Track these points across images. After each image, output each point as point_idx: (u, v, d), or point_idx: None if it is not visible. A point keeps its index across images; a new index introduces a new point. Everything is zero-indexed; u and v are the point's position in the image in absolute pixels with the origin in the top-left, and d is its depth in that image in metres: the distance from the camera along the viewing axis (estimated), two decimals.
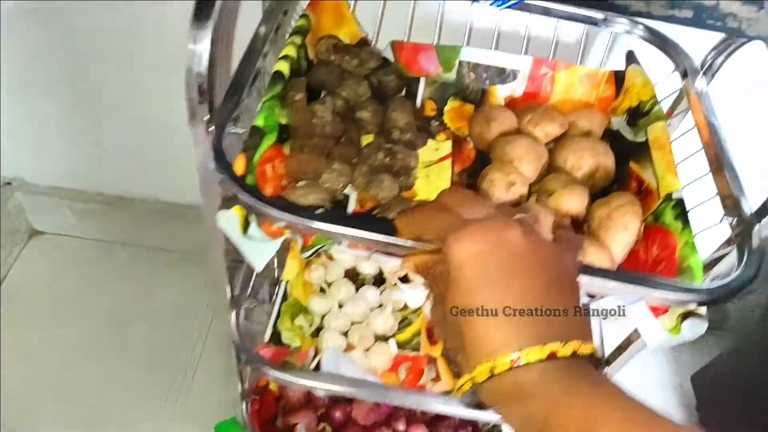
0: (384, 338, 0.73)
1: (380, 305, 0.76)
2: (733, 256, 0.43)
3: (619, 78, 0.63)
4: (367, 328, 0.73)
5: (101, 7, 0.75)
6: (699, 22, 0.54)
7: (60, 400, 0.96)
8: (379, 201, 0.52)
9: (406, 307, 0.78)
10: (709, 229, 0.46)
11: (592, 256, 0.48)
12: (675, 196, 0.49)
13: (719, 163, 0.48)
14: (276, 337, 0.67)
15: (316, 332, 0.72)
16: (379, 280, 0.80)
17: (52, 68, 0.87)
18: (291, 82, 0.52)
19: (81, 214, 1.09)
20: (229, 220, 0.42)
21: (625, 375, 1.10)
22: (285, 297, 0.70)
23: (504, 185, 0.53)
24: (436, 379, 0.71)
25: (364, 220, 0.40)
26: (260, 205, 0.39)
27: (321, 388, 0.60)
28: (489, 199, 0.51)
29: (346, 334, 0.73)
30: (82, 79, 0.87)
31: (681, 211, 0.48)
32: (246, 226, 0.43)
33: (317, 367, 0.62)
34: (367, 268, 0.80)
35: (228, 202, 0.41)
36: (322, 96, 0.59)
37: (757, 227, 0.42)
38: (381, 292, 0.78)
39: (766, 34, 0.47)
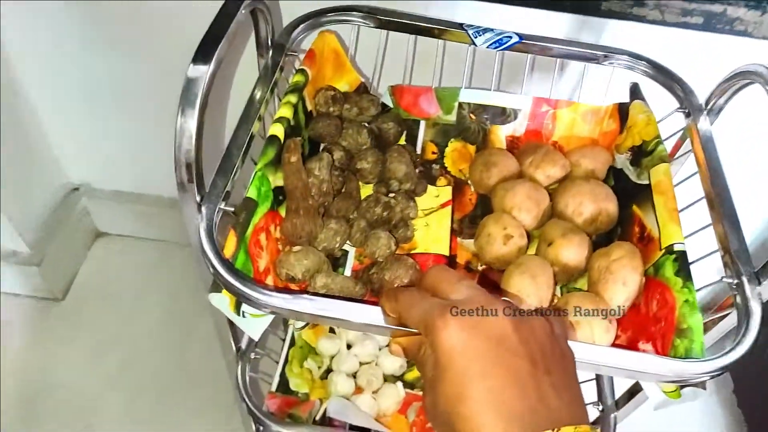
0: (393, 378, 0.73)
1: (388, 344, 0.76)
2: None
3: (623, 111, 0.61)
4: (376, 368, 0.73)
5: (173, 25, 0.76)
6: (709, 27, 0.55)
7: (122, 397, 0.99)
8: (376, 258, 0.52)
9: None
10: (710, 286, 0.45)
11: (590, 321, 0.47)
12: (677, 248, 0.48)
13: (719, 213, 0.46)
14: (284, 384, 0.67)
15: (326, 374, 0.72)
16: None
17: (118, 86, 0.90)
18: (287, 142, 0.52)
19: (140, 216, 1.15)
20: (221, 301, 0.42)
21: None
22: (293, 343, 0.71)
23: (501, 239, 0.52)
24: None
25: (347, 305, 0.40)
26: (245, 295, 0.39)
27: None
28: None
29: (354, 375, 0.73)
30: (147, 96, 0.90)
31: (682, 265, 0.46)
32: (238, 306, 0.44)
33: (323, 417, 0.62)
34: None
35: (216, 287, 0.42)
36: (321, 148, 0.59)
37: (756, 289, 0.41)
38: None
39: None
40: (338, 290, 0.49)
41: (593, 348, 0.40)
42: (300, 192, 0.51)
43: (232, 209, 0.43)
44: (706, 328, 0.44)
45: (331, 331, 0.77)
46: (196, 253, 0.44)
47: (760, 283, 0.41)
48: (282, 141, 0.51)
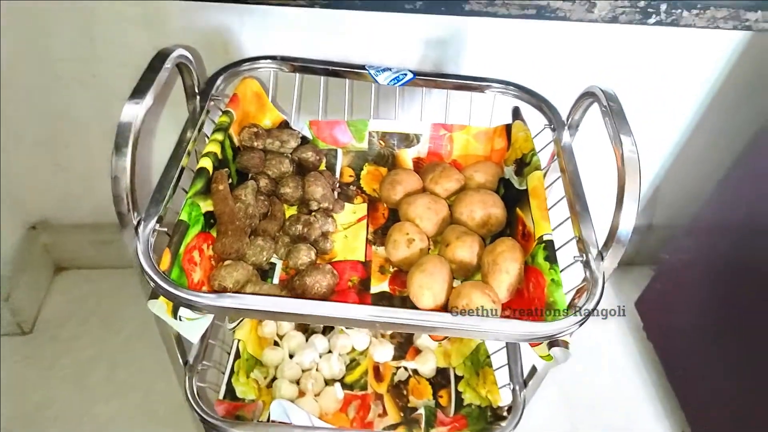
0: (332, 382, 0.81)
1: (329, 351, 0.84)
2: None
3: (509, 130, 0.72)
4: (317, 373, 0.81)
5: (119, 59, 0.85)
6: (541, 16, 0.67)
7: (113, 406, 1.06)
8: (299, 267, 0.61)
9: (354, 349, 0.85)
10: (571, 267, 0.55)
11: (479, 299, 0.56)
12: (545, 239, 0.58)
13: (573, 207, 0.56)
14: (231, 393, 0.74)
15: (271, 383, 0.79)
16: (328, 328, 0.88)
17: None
18: (214, 174, 0.60)
19: (99, 246, 1.21)
20: (159, 307, 0.50)
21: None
22: (238, 355, 0.78)
23: (405, 242, 0.61)
24: (383, 414, 0.79)
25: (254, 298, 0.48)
26: (180, 295, 0.47)
27: None
28: None
29: (298, 382, 0.80)
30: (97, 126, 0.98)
31: (550, 252, 0.56)
32: (175, 310, 0.51)
33: (268, 419, 0.69)
34: None
35: (155, 294, 0.49)
36: (248, 178, 0.67)
37: (601, 264, 0.51)
38: (329, 339, 0.85)
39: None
40: None
41: (482, 321, 0.49)
42: (227, 216, 0.60)
43: (166, 230, 0.51)
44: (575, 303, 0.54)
45: (275, 344, 0.84)
46: (138, 272, 0.52)
47: (603, 259, 0.51)
48: (210, 172, 0.60)
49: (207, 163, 0.60)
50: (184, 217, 0.55)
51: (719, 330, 1.01)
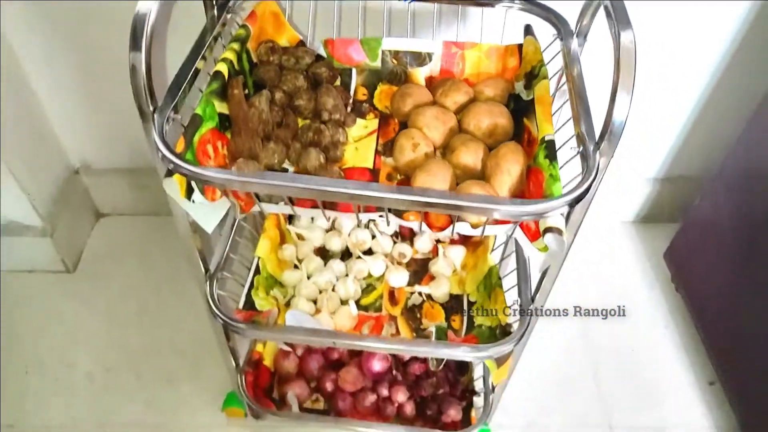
0: (347, 303, 0.83)
1: (346, 275, 0.87)
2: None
3: (521, 48, 0.72)
4: (333, 293, 0.83)
5: None
6: None
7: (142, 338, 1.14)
8: (308, 170, 0.63)
9: (370, 275, 0.88)
10: (572, 161, 0.56)
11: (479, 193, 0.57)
12: (547, 139, 0.58)
13: (576, 107, 0.57)
14: (249, 304, 0.77)
15: (289, 303, 0.82)
16: (346, 254, 0.91)
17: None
18: (230, 80, 0.63)
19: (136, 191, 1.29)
20: (171, 185, 0.53)
21: (596, 259, 1.20)
22: (257, 271, 0.81)
23: (410, 147, 0.63)
24: (396, 333, 0.81)
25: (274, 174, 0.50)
26: (190, 169, 0.50)
27: (283, 338, 0.70)
28: None
29: (315, 301, 0.83)
30: None
31: (550, 150, 0.57)
32: (189, 192, 0.55)
33: None
34: (335, 245, 0.90)
35: (169, 172, 0.53)
36: (262, 90, 0.70)
37: (597, 153, 0.51)
38: (346, 265, 0.88)
39: None
40: None
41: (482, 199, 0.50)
42: (242, 118, 0.63)
43: (181, 120, 0.54)
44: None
45: (295, 267, 0.87)
46: (158, 164, 0.55)
47: (599, 148, 0.52)
48: (226, 77, 0.63)
49: (223, 67, 0.63)
50: (198, 111, 0.58)
51: (748, 278, 0.99)
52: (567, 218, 0.54)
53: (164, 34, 0.55)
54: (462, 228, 0.58)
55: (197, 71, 0.60)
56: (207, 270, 0.72)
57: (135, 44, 0.51)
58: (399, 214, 0.59)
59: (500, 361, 0.74)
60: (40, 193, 1.12)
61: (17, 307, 1.17)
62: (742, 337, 1.01)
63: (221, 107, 0.62)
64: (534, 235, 0.56)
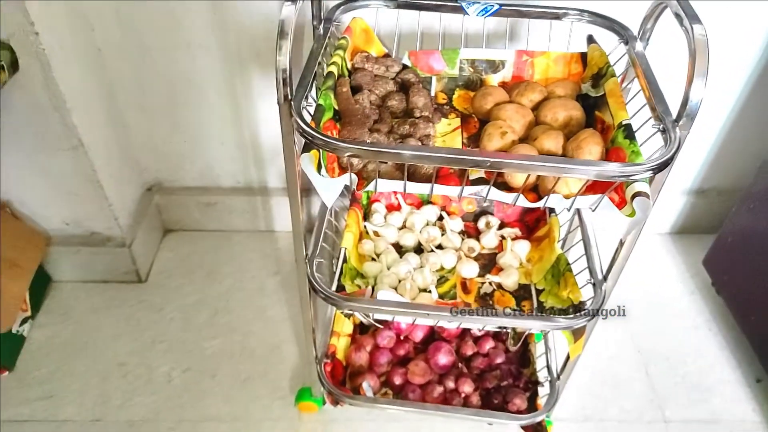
0: (427, 291, 0.90)
1: (421, 267, 0.94)
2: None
3: (584, 56, 0.82)
4: (412, 282, 0.91)
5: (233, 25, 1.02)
6: None
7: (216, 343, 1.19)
8: None
9: (442, 268, 0.95)
10: (652, 138, 0.64)
11: None
12: (624, 123, 0.67)
13: (651, 94, 0.65)
14: (340, 289, 0.85)
15: (372, 291, 0.89)
16: (418, 249, 0.98)
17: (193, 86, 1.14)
18: (338, 80, 0.73)
19: (203, 209, 1.38)
20: (308, 160, 0.61)
21: (638, 269, 1.27)
22: (345, 260, 0.89)
23: (498, 135, 0.72)
24: None
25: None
26: (329, 140, 0.58)
27: (378, 310, 0.77)
28: None
29: (395, 289, 0.90)
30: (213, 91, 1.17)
31: (629, 132, 0.66)
32: (319, 167, 0.63)
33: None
34: (408, 240, 0.98)
35: (306, 148, 0.61)
36: (361, 91, 0.80)
37: (676, 128, 0.60)
38: (420, 258, 0.95)
39: None
40: None
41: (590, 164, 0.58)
42: (350, 111, 0.72)
43: (309, 111, 0.64)
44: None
45: (373, 259, 0.95)
46: (286, 145, 0.64)
47: (678, 124, 0.60)
48: (336, 77, 0.72)
49: (333, 68, 0.72)
50: (321, 102, 0.67)
51: None
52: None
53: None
54: (554, 200, 0.66)
55: (315, 73, 0.70)
56: (306, 254, 0.80)
57: (281, 40, 0.60)
58: (498, 187, 0.67)
59: (576, 335, 0.80)
60: (121, 207, 1.21)
61: (95, 313, 1.24)
62: None
63: (334, 102, 0.71)
64: (620, 203, 0.63)
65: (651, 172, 0.57)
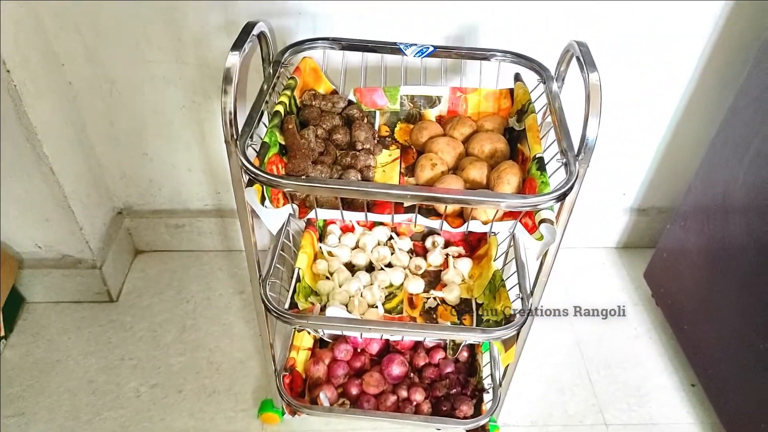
0: (374, 306, 0.98)
1: (371, 284, 1.01)
2: None
3: (512, 92, 0.90)
4: (361, 299, 0.98)
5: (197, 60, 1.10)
6: None
7: (183, 359, 1.22)
8: None
9: (391, 284, 1.03)
10: (558, 170, 0.72)
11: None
12: (537, 156, 0.75)
13: (559, 132, 0.74)
14: (293, 306, 0.92)
15: (324, 308, 0.97)
16: (370, 268, 1.06)
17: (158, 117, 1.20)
18: (285, 117, 0.81)
19: (172, 231, 1.44)
20: (251, 193, 0.69)
21: (584, 280, 1.36)
22: (299, 279, 0.96)
23: (429, 166, 0.80)
24: None
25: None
26: (270, 178, 0.66)
27: (325, 326, 0.84)
28: None
29: (346, 305, 0.98)
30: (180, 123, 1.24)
31: (540, 164, 0.74)
32: (263, 200, 0.71)
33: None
34: (360, 260, 1.05)
35: (250, 183, 0.69)
36: (308, 126, 0.87)
37: (576, 164, 0.68)
38: (371, 275, 1.03)
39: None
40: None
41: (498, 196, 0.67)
42: (296, 146, 0.79)
43: (255, 147, 0.71)
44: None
45: (327, 278, 1.02)
46: (234, 179, 0.71)
47: (578, 158, 0.69)
48: (282, 115, 0.80)
49: (280, 108, 0.80)
50: (266, 139, 0.75)
51: (717, 292, 1.14)
52: (557, 215, 0.71)
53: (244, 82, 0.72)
54: (474, 225, 0.74)
55: (262, 112, 0.77)
56: (260, 275, 0.87)
57: (226, 88, 0.67)
58: (425, 215, 0.75)
59: (507, 345, 0.88)
60: (92, 230, 1.27)
61: (67, 333, 1.29)
62: (716, 343, 1.15)
63: (280, 138, 0.79)
64: (532, 229, 0.72)
65: (552, 202, 0.65)
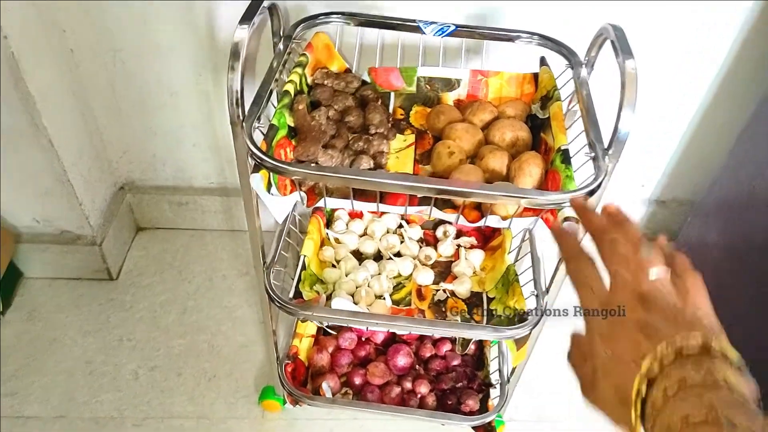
0: (381, 297, 0.94)
1: (379, 274, 0.97)
2: None
3: (536, 77, 0.85)
4: (369, 289, 0.94)
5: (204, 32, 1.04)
6: None
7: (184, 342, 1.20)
8: None
9: (400, 275, 0.99)
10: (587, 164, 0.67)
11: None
12: (562, 148, 0.70)
13: (587, 122, 0.69)
14: (298, 295, 0.88)
15: (330, 297, 0.93)
16: (378, 257, 1.02)
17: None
18: (296, 97, 0.76)
19: (175, 208, 1.40)
20: (257, 180, 0.64)
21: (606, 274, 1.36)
22: (304, 267, 0.92)
23: (446, 154, 0.75)
24: None
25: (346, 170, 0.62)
26: (277, 164, 0.61)
27: (330, 318, 0.81)
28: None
29: (352, 295, 0.94)
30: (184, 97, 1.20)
31: (565, 156, 0.69)
32: (269, 186, 0.66)
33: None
34: (368, 248, 1.01)
35: (256, 168, 0.64)
36: (320, 107, 0.82)
37: (606, 159, 0.63)
38: (379, 265, 0.99)
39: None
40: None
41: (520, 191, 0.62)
42: (306, 128, 0.75)
43: (262, 129, 0.66)
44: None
45: (333, 265, 0.98)
46: (239, 162, 0.67)
47: (607, 152, 0.64)
48: (292, 95, 0.75)
49: (290, 87, 0.75)
50: (274, 121, 0.70)
51: (736, 289, 1.09)
52: None
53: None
54: (492, 220, 0.69)
55: (271, 91, 0.72)
56: (265, 263, 0.83)
57: (233, 65, 0.63)
58: (440, 207, 0.70)
59: (519, 344, 0.84)
60: (92, 206, 1.23)
61: (64, 311, 1.26)
62: (734, 343, 1.11)
63: (289, 120, 0.74)
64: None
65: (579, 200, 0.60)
